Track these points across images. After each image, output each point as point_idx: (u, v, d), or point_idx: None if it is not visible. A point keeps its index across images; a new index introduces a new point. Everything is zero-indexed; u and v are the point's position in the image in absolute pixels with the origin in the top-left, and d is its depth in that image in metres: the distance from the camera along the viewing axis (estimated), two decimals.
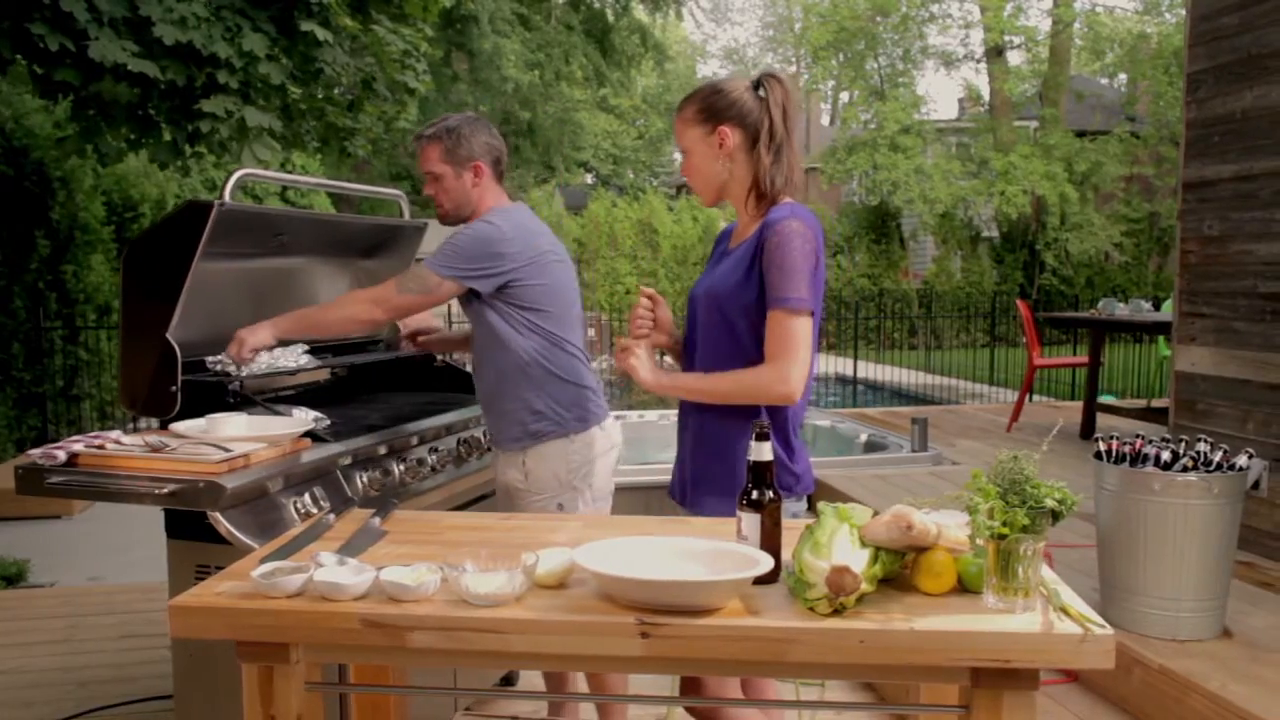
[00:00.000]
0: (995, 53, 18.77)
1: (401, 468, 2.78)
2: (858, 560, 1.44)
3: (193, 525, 2.65)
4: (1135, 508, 2.96)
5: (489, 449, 3.23)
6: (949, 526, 1.55)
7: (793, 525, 1.75)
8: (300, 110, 5.94)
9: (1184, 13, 14.40)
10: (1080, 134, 18.44)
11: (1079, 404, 8.10)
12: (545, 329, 2.59)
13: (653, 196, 20.92)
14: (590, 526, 1.94)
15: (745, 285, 2.00)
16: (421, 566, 1.54)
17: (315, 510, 2.41)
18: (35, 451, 2.32)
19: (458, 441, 3.10)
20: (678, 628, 1.40)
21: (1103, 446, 3.17)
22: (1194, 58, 3.99)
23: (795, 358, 1.92)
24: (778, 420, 2.00)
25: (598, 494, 2.65)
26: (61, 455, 2.29)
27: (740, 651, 1.41)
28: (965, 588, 1.53)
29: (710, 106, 2.05)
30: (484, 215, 2.61)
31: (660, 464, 5.42)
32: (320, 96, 6.31)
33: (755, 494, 1.59)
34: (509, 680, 3.38)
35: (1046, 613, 1.44)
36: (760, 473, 1.58)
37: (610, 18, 21.08)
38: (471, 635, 1.44)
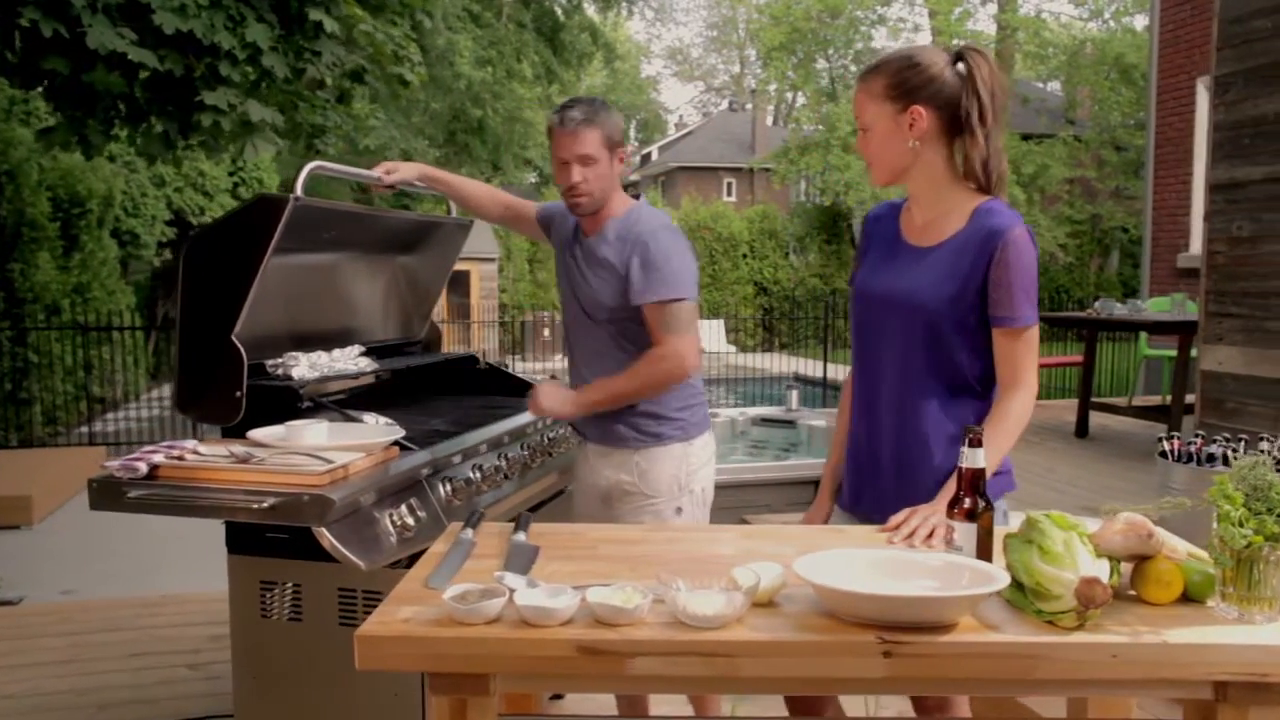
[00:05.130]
0: None
1: (479, 475, 2.66)
2: (1101, 571, 1.38)
3: (257, 540, 2.51)
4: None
5: (549, 454, 3.12)
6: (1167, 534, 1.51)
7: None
8: (289, 104, 5.72)
9: (1128, 20, 14.70)
10: (1025, 137, 18.83)
11: (1061, 402, 8.23)
12: None
13: None
14: (749, 537, 1.85)
15: (965, 294, 1.86)
16: (627, 586, 1.44)
17: (411, 522, 2.28)
18: (113, 464, 2.15)
19: (522, 446, 2.98)
20: (922, 646, 1.33)
21: (1166, 446, 3.18)
22: (1222, 60, 4.04)
23: (1035, 369, 1.89)
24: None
25: (707, 499, 2.59)
26: (143, 467, 2.13)
27: (986, 670, 1.34)
28: (1189, 597, 1.48)
29: (903, 82, 1.86)
30: (648, 219, 2.48)
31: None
32: (291, 90, 6.11)
33: (968, 502, 1.52)
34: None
35: None
36: (975, 480, 1.52)
37: (560, 15, 20.95)
38: (697, 660, 1.34)
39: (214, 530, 4.26)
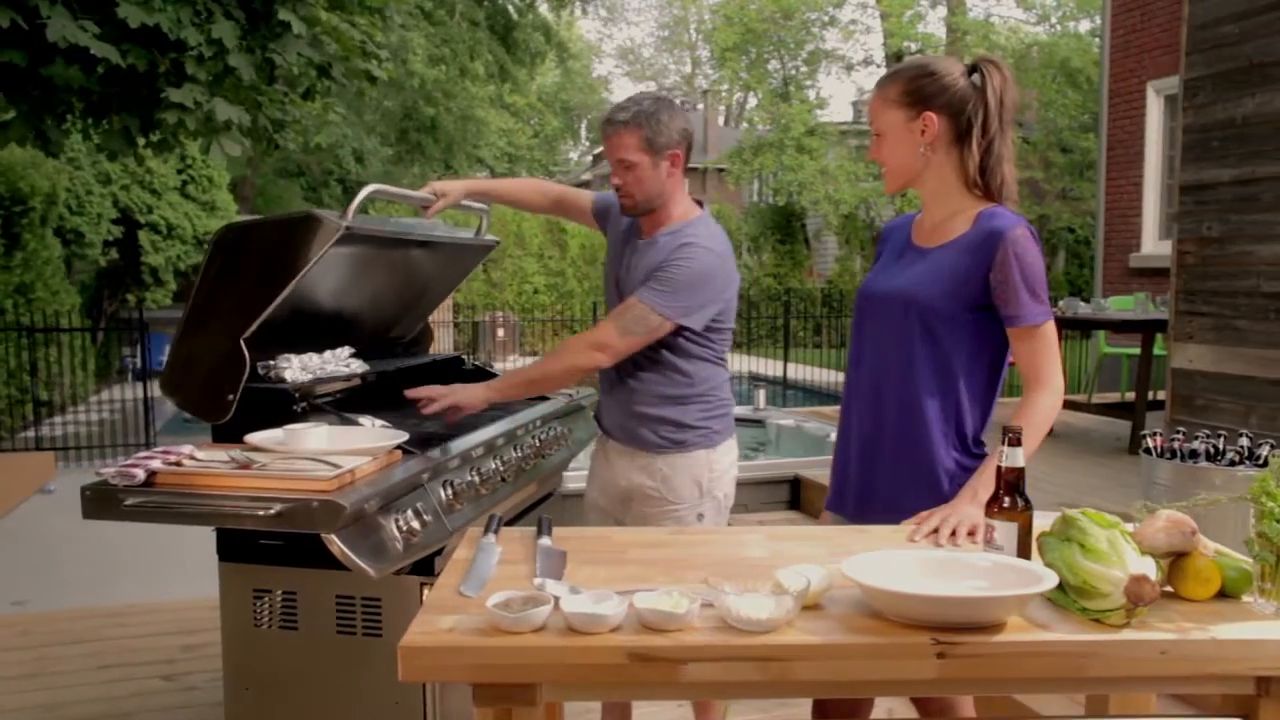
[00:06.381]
0: (896, 58, 19.29)
1: (477, 478, 2.62)
2: (1148, 568, 1.39)
3: (249, 547, 2.45)
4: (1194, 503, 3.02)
5: (542, 456, 3.08)
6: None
7: None
8: (252, 102, 5.59)
9: (1073, 25, 15.02)
10: None
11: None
12: (714, 349, 2.48)
13: None
14: (775, 539, 1.84)
15: (961, 293, 1.88)
16: (674, 591, 1.42)
17: (417, 527, 2.23)
18: (108, 470, 2.07)
19: (515, 448, 2.94)
20: (976, 646, 1.32)
21: (1150, 443, 3.24)
22: (1191, 65, 4.13)
23: (1059, 366, 1.90)
24: (974, 426, 1.94)
25: (728, 504, 2.58)
26: (140, 474, 2.05)
27: (1039, 669, 1.34)
28: (1224, 592, 1.50)
29: (918, 90, 1.90)
30: (693, 236, 2.39)
31: None
32: (247, 85, 5.98)
33: (1008, 501, 1.52)
34: None
35: None
36: (1014, 480, 1.52)
37: (513, 14, 20.82)
38: (751, 665, 1.32)
39: (175, 535, 4.15)
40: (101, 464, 8.56)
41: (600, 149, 37.68)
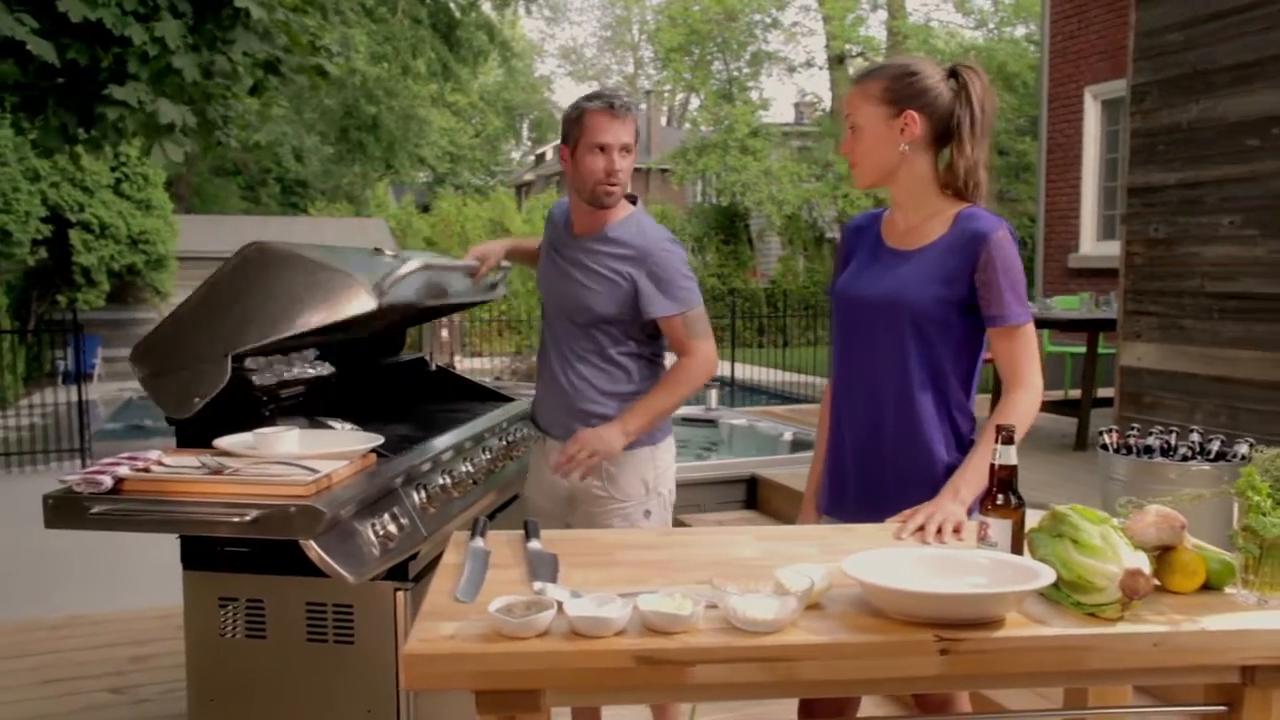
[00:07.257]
0: (837, 60, 19.56)
1: (450, 481, 2.58)
2: (1141, 562, 1.42)
3: (216, 554, 2.38)
4: (1149, 499, 3.10)
5: (510, 457, 3.06)
6: None
7: None
8: (200, 95, 5.45)
9: (1009, 30, 15.31)
10: None
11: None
12: (654, 348, 2.51)
13: (504, 195, 20.65)
14: (765, 539, 1.84)
15: (949, 294, 1.90)
16: (676, 592, 1.41)
17: (394, 531, 2.20)
18: (73, 477, 2.00)
19: (484, 450, 2.91)
20: (977, 642, 1.34)
21: (1107, 439, 3.32)
22: (1138, 70, 4.24)
23: (1038, 366, 1.92)
24: (966, 424, 1.96)
25: (672, 500, 2.59)
26: (107, 481, 1.98)
27: (1039, 663, 1.36)
28: (1208, 584, 1.54)
29: (901, 89, 1.91)
30: (652, 230, 2.48)
31: None
32: (191, 82, 5.83)
33: (1001, 499, 1.54)
34: None
35: None
36: (1008, 478, 1.54)
37: (456, 12, 20.62)
38: (757, 666, 1.32)
39: (120, 543, 3.99)
40: (32, 470, 8.31)
41: (544, 149, 37.12)
